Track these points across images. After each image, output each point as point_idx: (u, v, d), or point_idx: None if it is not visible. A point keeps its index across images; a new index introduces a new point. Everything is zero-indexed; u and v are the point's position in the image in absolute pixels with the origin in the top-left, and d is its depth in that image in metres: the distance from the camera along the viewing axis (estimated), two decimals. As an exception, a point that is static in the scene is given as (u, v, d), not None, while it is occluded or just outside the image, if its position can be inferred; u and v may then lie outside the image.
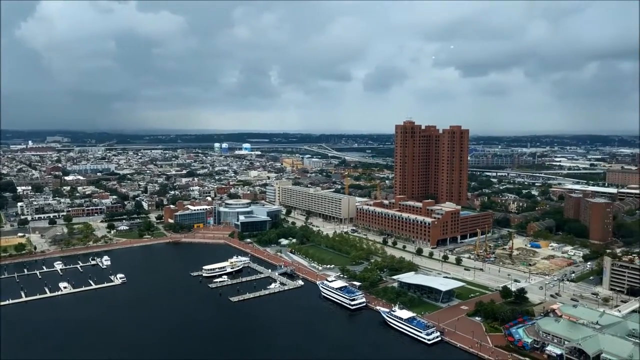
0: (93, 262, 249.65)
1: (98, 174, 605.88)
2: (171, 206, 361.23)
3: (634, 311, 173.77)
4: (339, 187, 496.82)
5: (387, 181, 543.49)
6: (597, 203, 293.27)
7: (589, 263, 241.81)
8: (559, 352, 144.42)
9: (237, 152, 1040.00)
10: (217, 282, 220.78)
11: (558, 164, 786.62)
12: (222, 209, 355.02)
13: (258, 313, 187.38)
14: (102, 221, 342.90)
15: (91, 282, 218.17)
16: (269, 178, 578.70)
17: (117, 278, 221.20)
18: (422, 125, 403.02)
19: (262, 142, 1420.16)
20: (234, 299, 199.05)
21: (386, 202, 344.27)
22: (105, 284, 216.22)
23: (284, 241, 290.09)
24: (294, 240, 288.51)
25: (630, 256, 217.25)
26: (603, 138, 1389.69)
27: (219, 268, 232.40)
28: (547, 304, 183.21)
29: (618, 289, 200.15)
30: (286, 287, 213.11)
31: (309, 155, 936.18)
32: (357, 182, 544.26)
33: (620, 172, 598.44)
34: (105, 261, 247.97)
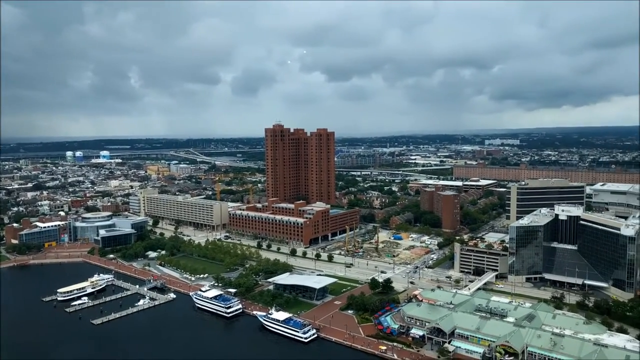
0: None
1: None
2: (14, 225, 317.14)
3: (479, 289, 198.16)
4: (210, 193, 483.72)
5: (259, 185, 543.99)
6: (446, 196, 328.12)
7: (442, 250, 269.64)
8: (421, 333, 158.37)
9: (94, 160, 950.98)
10: (75, 305, 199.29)
11: (414, 161, 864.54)
12: (78, 223, 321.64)
13: (125, 334, 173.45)
14: None
15: None
16: (132, 187, 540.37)
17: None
18: (291, 128, 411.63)
19: (123, 149, 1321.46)
20: (96, 321, 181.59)
21: (259, 205, 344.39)
22: None
23: (152, 254, 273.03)
24: (164, 252, 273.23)
25: (475, 240, 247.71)
26: (449, 137, 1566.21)
27: (77, 289, 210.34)
28: (410, 291, 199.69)
29: (466, 270, 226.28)
30: (157, 302, 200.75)
31: (177, 161, 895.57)
32: (229, 187, 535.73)
33: (464, 167, 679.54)
34: None
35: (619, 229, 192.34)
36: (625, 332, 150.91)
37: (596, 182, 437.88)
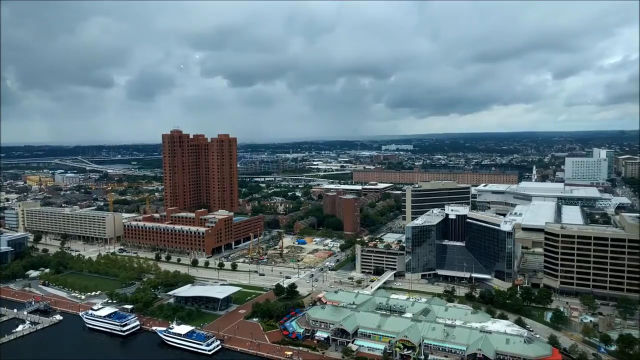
0: None
1: None
2: None
3: (379, 288, 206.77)
4: (102, 204, 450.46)
5: (156, 194, 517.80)
6: (347, 199, 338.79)
7: (344, 252, 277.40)
8: (326, 335, 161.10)
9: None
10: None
11: (316, 167, 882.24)
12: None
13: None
14: None
15: None
16: (7, 200, 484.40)
17: None
18: (190, 134, 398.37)
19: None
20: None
21: (157, 215, 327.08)
22: None
23: (33, 273, 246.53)
24: (47, 270, 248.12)
25: (374, 242, 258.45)
26: (349, 143, 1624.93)
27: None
28: (314, 294, 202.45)
29: (367, 271, 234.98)
30: (40, 327, 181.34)
31: (62, 170, 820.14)
32: (123, 197, 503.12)
33: (363, 172, 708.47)
34: None
35: (498, 225, 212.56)
36: (505, 318, 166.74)
37: (480, 183, 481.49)
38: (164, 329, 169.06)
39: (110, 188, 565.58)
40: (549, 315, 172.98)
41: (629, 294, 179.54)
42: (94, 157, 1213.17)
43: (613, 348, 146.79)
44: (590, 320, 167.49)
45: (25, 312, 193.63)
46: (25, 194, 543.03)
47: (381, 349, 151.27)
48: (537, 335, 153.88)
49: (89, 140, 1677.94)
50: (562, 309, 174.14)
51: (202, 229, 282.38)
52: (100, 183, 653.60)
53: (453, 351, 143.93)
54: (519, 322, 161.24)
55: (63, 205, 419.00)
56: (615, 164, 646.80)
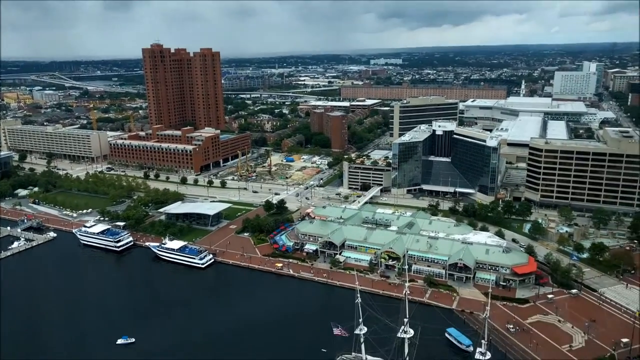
0: None
1: None
2: None
3: (366, 203, 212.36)
4: (85, 122, 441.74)
5: (140, 111, 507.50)
6: (334, 116, 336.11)
7: (332, 169, 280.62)
8: (314, 248, 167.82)
9: None
10: None
11: (303, 82, 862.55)
12: None
13: (4, 279, 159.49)
14: None
15: None
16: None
17: None
18: (172, 48, 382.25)
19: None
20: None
21: (142, 133, 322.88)
22: None
23: (22, 192, 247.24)
24: (36, 189, 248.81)
25: (362, 158, 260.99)
26: (337, 57, 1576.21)
27: None
28: (302, 210, 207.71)
29: (354, 187, 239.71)
30: (35, 243, 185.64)
31: (40, 87, 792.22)
32: (106, 115, 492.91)
33: (351, 87, 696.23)
34: None
35: (484, 141, 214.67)
36: (486, 230, 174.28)
37: (468, 99, 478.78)
38: (157, 244, 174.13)
39: (92, 106, 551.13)
40: (527, 227, 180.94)
41: (605, 205, 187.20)
42: (72, 73, 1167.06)
43: (585, 255, 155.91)
44: (566, 231, 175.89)
45: (18, 230, 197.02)
46: (4, 112, 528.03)
47: (367, 260, 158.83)
48: (519, 244, 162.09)
49: (65, 56, 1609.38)
50: (540, 221, 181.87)
51: (189, 147, 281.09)
52: (82, 101, 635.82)
53: (435, 261, 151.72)
54: (499, 234, 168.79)
55: (45, 123, 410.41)
56: (604, 78, 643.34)
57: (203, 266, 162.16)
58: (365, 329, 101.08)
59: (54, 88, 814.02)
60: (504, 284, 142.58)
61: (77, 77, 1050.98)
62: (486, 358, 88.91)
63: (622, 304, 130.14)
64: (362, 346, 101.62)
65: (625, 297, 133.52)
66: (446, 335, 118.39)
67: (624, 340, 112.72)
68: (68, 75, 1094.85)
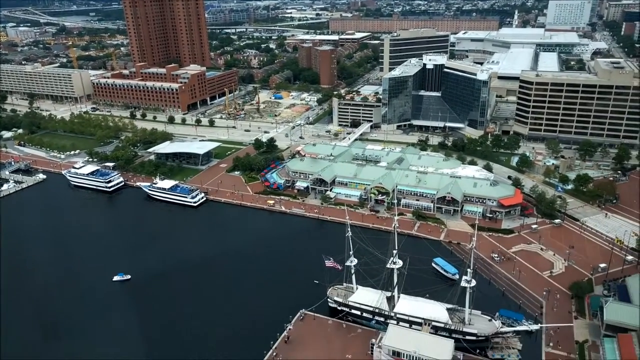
0: None
1: None
2: None
3: (356, 140, 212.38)
4: (65, 60, 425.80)
5: (122, 49, 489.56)
6: (323, 51, 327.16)
7: (321, 106, 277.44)
8: (305, 185, 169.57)
9: None
10: None
11: (290, 15, 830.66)
12: None
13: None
14: None
15: None
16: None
17: None
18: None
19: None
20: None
21: (126, 72, 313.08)
22: None
23: (6, 134, 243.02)
24: (20, 131, 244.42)
25: (351, 94, 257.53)
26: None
27: None
28: (293, 147, 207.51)
29: (344, 124, 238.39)
30: (24, 185, 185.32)
31: (14, 24, 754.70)
32: (87, 53, 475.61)
33: (339, 20, 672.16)
34: None
35: (475, 74, 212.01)
36: (475, 164, 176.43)
37: (459, 31, 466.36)
38: (149, 184, 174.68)
39: (71, 43, 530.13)
40: (515, 160, 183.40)
41: (592, 137, 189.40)
42: (47, 8, 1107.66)
43: (569, 187, 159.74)
44: (553, 163, 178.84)
45: (7, 172, 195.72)
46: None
47: (357, 195, 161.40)
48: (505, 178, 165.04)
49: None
50: (527, 154, 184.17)
51: (175, 85, 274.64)
52: (59, 37, 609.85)
53: (424, 195, 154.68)
54: (487, 167, 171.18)
55: (23, 62, 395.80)
56: (599, 7, 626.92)
57: (195, 205, 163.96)
58: (356, 260, 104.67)
59: (29, 24, 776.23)
60: (491, 215, 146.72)
61: (53, 12, 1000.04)
62: (471, 285, 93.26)
63: (602, 232, 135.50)
64: (353, 277, 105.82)
65: (605, 225, 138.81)
66: (433, 265, 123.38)
67: (602, 265, 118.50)
68: (42, 10, 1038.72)
